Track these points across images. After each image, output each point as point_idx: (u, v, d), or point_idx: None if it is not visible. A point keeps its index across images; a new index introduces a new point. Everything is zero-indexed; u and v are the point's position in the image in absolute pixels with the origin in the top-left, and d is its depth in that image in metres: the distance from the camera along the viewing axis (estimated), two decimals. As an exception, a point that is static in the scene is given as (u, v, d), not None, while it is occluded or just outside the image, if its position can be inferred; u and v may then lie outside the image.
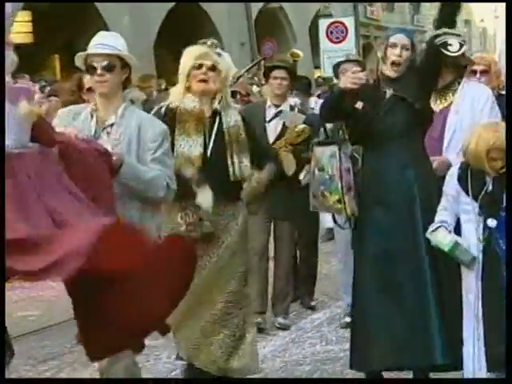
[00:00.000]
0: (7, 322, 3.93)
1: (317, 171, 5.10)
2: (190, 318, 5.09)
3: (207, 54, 5.56)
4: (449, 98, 5.61)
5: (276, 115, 7.24)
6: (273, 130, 7.16)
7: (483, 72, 6.71)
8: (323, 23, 18.96)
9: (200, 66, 5.45)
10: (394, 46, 5.12)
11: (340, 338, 6.83)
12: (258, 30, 25.33)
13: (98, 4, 19.65)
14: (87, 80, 4.99)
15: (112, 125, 4.51)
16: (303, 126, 7.10)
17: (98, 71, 4.21)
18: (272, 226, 7.38)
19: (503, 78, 6.78)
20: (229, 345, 5.16)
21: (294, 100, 7.71)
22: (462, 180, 5.15)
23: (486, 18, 47.86)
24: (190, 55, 5.61)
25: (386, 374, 5.34)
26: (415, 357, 5.13)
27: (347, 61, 7.87)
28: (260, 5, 26.05)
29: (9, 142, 3.45)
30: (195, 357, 5.16)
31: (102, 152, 3.85)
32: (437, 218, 4.96)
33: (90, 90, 6.12)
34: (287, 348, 6.75)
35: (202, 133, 5.55)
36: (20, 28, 19.03)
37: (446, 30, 5.91)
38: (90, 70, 4.27)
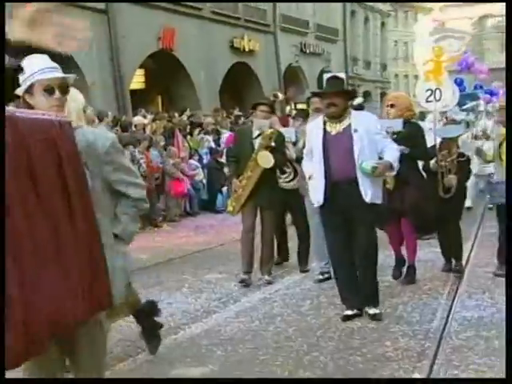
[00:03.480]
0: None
1: None
2: None
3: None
4: (346, 121, 5.95)
5: (259, 135, 7.63)
6: (257, 143, 7.61)
7: (392, 105, 7.09)
8: (326, 76, 20.25)
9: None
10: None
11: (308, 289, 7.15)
12: (285, 80, 28.16)
13: (183, 62, 21.78)
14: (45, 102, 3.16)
15: None
16: (270, 130, 7.54)
17: (56, 94, 3.26)
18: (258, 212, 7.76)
19: (416, 109, 7.78)
20: None
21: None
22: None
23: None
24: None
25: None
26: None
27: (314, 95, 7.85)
28: (287, 64, 29.06)
29: None
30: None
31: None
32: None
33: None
34: (275, 296, 7.05)
35: None
36: (137, 79, 21.77)
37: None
38: (46, 92, 3.23)
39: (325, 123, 6.12)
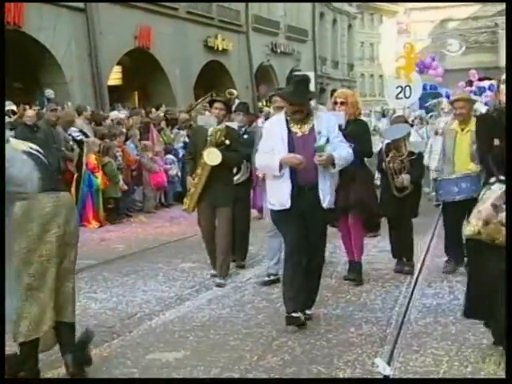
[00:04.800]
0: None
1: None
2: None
3: None
4: (310, 122, 5.53)
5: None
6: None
7: (342, 103, 6.81)
8: (294, 76, 19.35)
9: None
10: None
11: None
12: (257, 79, 28.50)
13: (159, 60, 21.75)
14: None
15: None
16: (218, 127, 7.10)
17: None
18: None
19: (360, 107, 7.15)
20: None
21: (232, 123, 7.60)
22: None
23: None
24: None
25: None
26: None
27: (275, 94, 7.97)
28: (259, 62, 29.19)
29: None
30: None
31: None
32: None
33: None
34: (245, 284, 7.00)
35: None
36: (115, 76, 21.67)
37: None
38: None
39: (287, 122, 5.65)
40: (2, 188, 2.17)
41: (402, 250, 7.60)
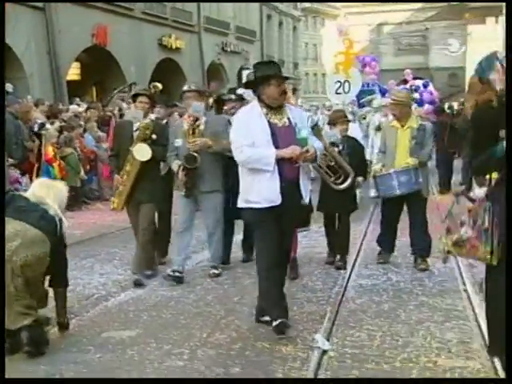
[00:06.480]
0: None
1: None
2: None
3: None
4: (285, 113, 4.85)
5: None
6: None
7: None
8: (244, 72, 18.53)
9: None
10: None
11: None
12: (208, 76, 28.16)
13: (116, 57, 21.63)
14: None
15: None
16: (145, 121, 6.53)
17: None
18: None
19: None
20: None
21: (153, 115, 6.87)
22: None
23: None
24: None
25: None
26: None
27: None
28: (210, 60, 29.07)
29: None
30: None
31: None
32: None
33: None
34: (196, 267, 7.03)
35: None
36: (73, 71, 21.42)
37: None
38: None
39: (266, 114, 4.88)
40: (1, 187, 2.01)
41: (338, 246, 7.14)
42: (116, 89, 17.63)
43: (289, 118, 4.90)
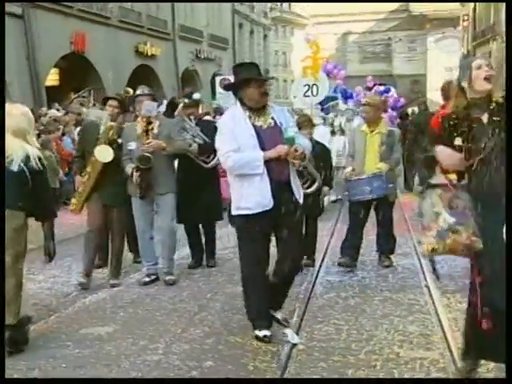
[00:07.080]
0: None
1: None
2: None
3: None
4: (268, 114, 4.58)
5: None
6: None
7: None
8: (218, 79, 18.53)
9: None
10: None
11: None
12: (183, 81, 27.76)
13: (94, 63, 21.37)
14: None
15: None
16: (111, 124, 6.32)
17: None
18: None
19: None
20: None
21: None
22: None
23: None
24: None
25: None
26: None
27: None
28: (184, 67, 28.74)
29: None
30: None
31: None
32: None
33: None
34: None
35: None
36: (52, 77, 21.12)
37: None
38: None
39: (249, 117, 4.60)
40: (1, 188, 1.96)
41: (305, 248, 6.37)
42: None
43: (273, 118, 4.63)
